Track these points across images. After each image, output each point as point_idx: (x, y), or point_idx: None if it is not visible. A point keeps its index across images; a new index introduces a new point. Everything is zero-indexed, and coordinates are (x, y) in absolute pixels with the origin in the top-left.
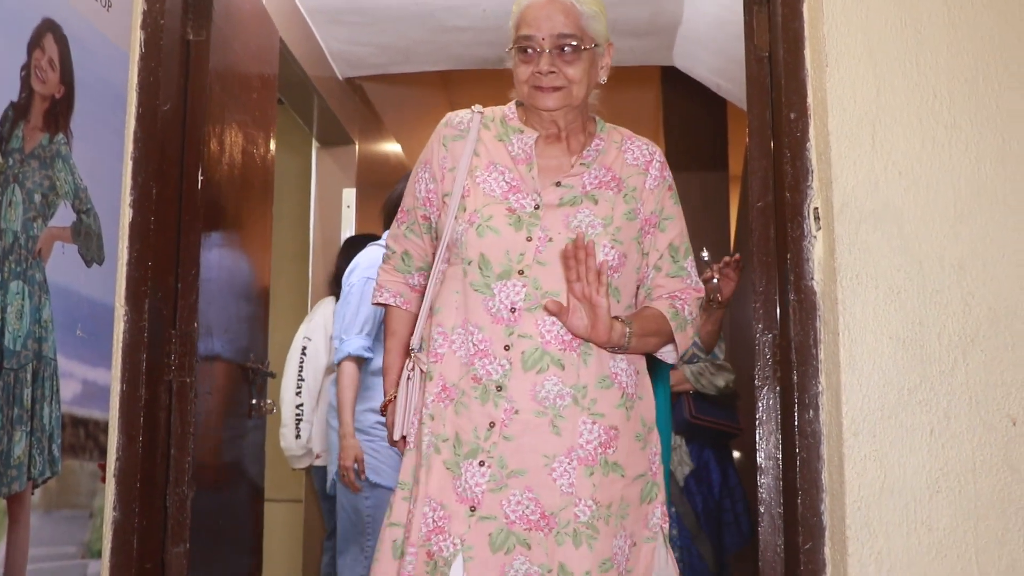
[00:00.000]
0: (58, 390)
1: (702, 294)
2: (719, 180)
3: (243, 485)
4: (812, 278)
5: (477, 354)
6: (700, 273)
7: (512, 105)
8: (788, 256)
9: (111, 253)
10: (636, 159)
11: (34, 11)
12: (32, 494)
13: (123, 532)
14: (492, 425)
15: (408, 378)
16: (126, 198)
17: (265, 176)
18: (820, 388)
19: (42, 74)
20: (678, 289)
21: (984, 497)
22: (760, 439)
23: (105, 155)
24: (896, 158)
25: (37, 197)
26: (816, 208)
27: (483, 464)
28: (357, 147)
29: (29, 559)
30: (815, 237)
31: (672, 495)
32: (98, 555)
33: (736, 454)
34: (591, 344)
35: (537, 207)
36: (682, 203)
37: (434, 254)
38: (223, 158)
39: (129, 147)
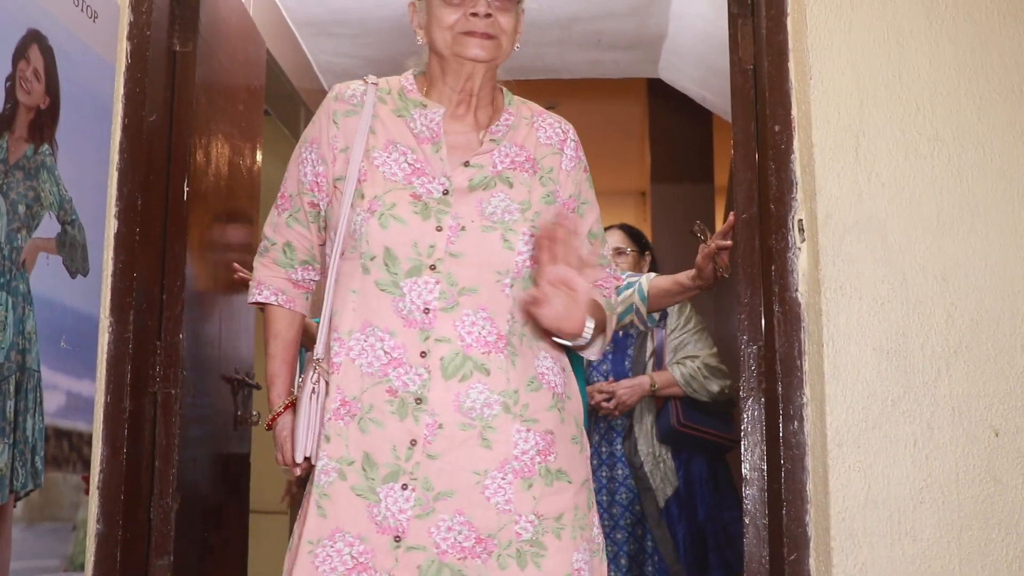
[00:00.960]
0: (41, 402)
1: (621, 283)
2: (705, 192)
3: (228, 497)
4: (796, 289)
5: (391, 363)
6: (698, 245)
7: (409, 75)
8: (773, 268)
9: (96, 264)
10: (549, 137)
11: (19, 22)
12: (14, 507)
13: (106, 545)
14: (413, 443)
15: (313, 391)
16: (111, 209)
17: (251, 187)
18: (804, 399)
19: (27, 85)
20: (600, 278)
21: (967, 508)
22: (745, 450)
23: (90, 166)
24: (879, 170)
25: (21, 208)
26: (800, 220)
27: (406, 487)
28: None
29: (11, 573)
30: (799, 248)
31: (650, 516)
32: (81, 568)
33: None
34: (514, 343)
35: (446, 192)
36: (667, 214)
37: (322, 246)
38: (209, 169)
39: (114, 158)
